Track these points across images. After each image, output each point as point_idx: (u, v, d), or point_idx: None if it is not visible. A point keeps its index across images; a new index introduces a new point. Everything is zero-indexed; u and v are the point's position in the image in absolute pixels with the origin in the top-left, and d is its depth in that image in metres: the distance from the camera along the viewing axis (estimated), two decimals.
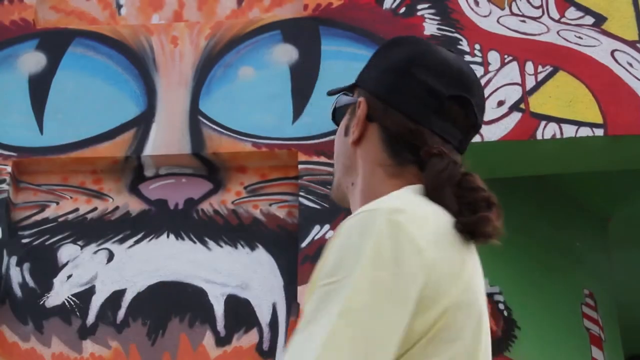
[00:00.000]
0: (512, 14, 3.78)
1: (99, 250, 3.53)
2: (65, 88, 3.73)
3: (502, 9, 3.79)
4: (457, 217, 1.18)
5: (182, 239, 3.53)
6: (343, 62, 3.66)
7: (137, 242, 3.54)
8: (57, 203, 3.62)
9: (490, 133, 3.52)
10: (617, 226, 4.95)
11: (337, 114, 1.40)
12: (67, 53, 3.80)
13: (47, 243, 3.55)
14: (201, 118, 3.63)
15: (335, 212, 3.41)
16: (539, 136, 3.52)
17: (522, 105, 3.58)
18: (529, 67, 3.65)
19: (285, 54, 3.73)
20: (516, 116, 3.56)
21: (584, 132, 3.52)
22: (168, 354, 3.34)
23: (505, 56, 3.68)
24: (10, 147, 3.62)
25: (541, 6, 3.79)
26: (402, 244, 1.08)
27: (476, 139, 3.59)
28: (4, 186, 3.55)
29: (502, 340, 3.77)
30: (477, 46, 3.70)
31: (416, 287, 1.07)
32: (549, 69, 3.64)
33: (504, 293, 3.89)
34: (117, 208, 3.60)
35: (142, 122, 3.65)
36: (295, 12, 3.84)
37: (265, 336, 3.34)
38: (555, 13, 3.77)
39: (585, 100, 3.57)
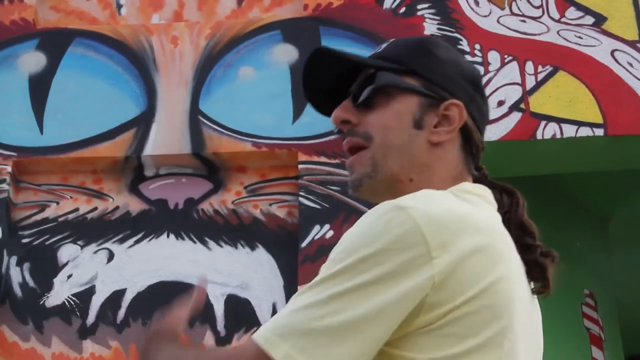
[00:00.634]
0: (512, 13, 3.78)
1: (99, 250, 3.53)
2: (65, 88, 3.73)
3: (502, 8, 3.79)
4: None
5: (182, 239, 3.53)
6: None
7: (137, 242, 3.54)
8: (57, 203, 3.62)
9: (490, 133, 3.52)
10: (617, 226, 4.95)
11: (374, 89, 1.28)
12: (67, 53, 3.80)
13: (47, 243, 3.55)
14: (201, 118, 3.63)
15: (336, 212, 3.41)
16: (539, 136, 3.52)
17: (522, 105, 3.58)
18: (529, 67, 3.66)
19: (285, 54, 3.73)
20: (516, 116, 3.56)
21: (584, 132, 3.52)
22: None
23: (505, 56, 3.68)
24: (10, 147, 3.63)
25: (541, 6, 3.79)
26: (405, 235, 1.08)
27: None
28: (4, 186, 3.55)
29: None
30: (477, 46, 3.70)
31: (420, 286, 1.07)
32: (549, 68, 3.64)
33: None
34: (117, 208, 3.60)
35: (142, 122, 3.65)
36: (295, 12, 3.84)
37: None
38: (555, 13, 3.77)
39: (585, 100, 3.57)
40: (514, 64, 3.67)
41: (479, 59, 3.66)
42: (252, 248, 3.49)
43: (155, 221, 3.56)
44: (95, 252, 3.53)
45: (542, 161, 3.76)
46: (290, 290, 3.38)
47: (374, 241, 1.07)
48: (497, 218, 1.23)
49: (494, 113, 3.56)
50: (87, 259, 3.52)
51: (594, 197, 4.74)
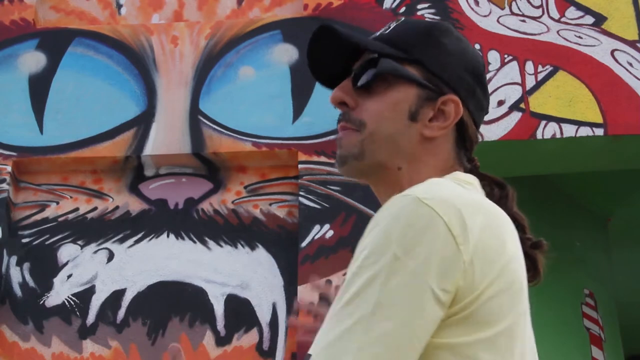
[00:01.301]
0: (512, 13, 3.78)
1: (99, 250, 3.53)
2: (65, 88, 3.73)
3: (502, 8, 3.79)
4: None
5: (182, 238, 3.53)
6: None
7: (137, 241, 3.54)
8: (57, 203, 3.62)
9: (490, 133, 3.52)
10: (617, 226, 4.96)
11: (375, 75, 1.27)
12: (67, 53, 3.80)
13: (47, 243, 3.56)
14: (201, 118, 3.63)
15: (336, 212, 3.41)
16: (539, 136, 3.52)
17: (522, 105, 3.58)
18: (529, 66, 3.66)
19: (285, 54, 3.73)
20: (516, 116, 3.56)
21: (584, 131, 3.52)
22: (168, 354, 3.34)
23: (505, 56, 3.68)
24: (10, 147, 3.63)
25: (541, 6, 3.79)
26: (432, 229, 1.07)
27: None
28: (4, 186, 3.55)
29: None
30: (477, 46, 3.70)
31: (445, 273, 1.06)
32: (549, 68, 3.64)
33: None
34: (117, 208, 3.60)
35: (142, 122, 3.65)
36: (295, 11, 3.84)
37: (265, 336, 3.34)
38: (555, 13, 3.77)
39: (585, 100, 3.57)
40: (514, 63, 3.67)
41: None
42: (252, 248, 3.49)
43: (155, 221, 3.56)
44: (95, 252, 3.53)
45: (542, 161, 3.77)
46: (290, 290, 3.38)
47: (403, 238, 1.06)
48: (492, 204, 1.24)
49: (494, 113, 3.56)
50: (87, 259, 3.52)
51: (594, 197, 4.75)
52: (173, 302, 3.42)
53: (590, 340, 4.34)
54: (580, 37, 3.71)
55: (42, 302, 3.45)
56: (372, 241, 1.09)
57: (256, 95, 3.66)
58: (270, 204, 3.56)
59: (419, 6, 3.79)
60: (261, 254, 3.48)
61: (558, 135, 3.52)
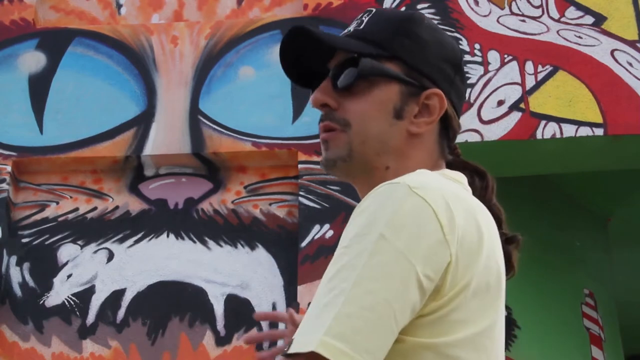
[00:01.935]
0: (512, 13, 3.78)
1: (98, 249, 3.53)
2: (65, 88, 3.73)
3: (502, 8, 3.79)
4: None
5: (182, 238, 3.53)
6: None
7: (137, 241, 3.54)
8: (57, 203, 3.62)
9: (490, 133, 3.52)
10: (617, 226, 4.95)
11: (356, 77, 1.25)
12: (67, 53, 3.80)
13: (47, 243, 3.56)
14: (201, 118, 3.63)
15: (336, 211, 3.41)
16: (538, 136, 3.52)
17: (522, 105, 3.58)
18: (529, 66, 3.65)
19: None
20: (516, 116, 3.56)
21: (584, 131, 3.52)
22: (168, 354, 3.34)
23: (505, 56, 3.68)
24: (10, 146, 3.63)
25: (541, 6, 3.79)
26: (420, 216, 1.07)
27: (476, 138, 3.61)
28: (4, 186, 3.55)
29: None
30: (477, 46, 3.70)
31: (429, 259, 1.06)
32: (548, 68, 3.64)
33: None
34: (117, 208, 3.60)
35: (142, 122, 3.65)
36: (295, 11, 3.84)
37: None
38: (555, 13, 3.77)
39: (585, 100, 3.57)
40: (514, 63, 3.67)
41: (478, 59, 3.67)
42: (252, 248, 3.49)
43: (155, 221, 3.56)
44: (95, 251, 3.53)
45: (542, 161, 3.76)
46: (290, 290, 3.38)
47: (391, 220, 1.06)
48: (477, 201, 1.24)
49: (494, 113, 3.56)
50: (87, 259, 3.52)
51: (594, 197, 4.75)
52: (173, 302, 3.42)
53: (590, 340, 4.34)
54: (580, 37, 3.71)
55: (42, 302, 3.45)
56: (359, 222, 1.08)
57: (256, 95, 3.66)
58: (270, 204, 3.56)
59: (419, 6, 3.79)
60: (261, 254, 3.48)
61: (558, 135, 3.52)
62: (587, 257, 4.65)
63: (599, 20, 3.73)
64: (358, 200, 1.18)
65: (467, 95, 1.30)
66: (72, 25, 3.91)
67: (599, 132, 3.51)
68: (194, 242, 3.52)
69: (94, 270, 3.49)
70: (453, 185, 1.17)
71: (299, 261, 3.35)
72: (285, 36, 1.29)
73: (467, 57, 3.65)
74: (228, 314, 3.39)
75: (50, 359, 3.36)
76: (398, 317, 1.03)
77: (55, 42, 3.82)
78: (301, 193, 3.47)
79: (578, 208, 4.73)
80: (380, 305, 1.02)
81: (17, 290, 3.48)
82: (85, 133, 3.65)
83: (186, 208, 3.58)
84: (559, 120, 3.54)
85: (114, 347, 3.36)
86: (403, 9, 3.78)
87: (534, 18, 3.76)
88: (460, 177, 1.26)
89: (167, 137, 3.61)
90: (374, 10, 1.31)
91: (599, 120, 3.53)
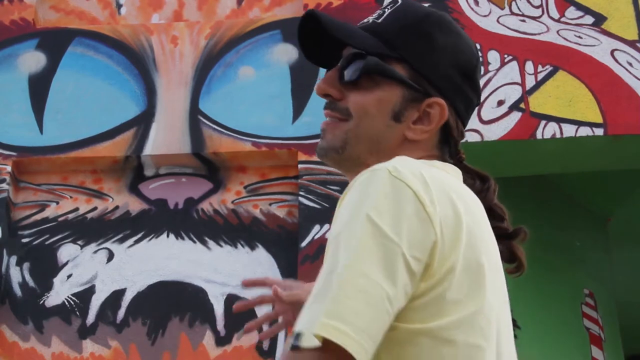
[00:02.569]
0: (512, 13, 3.78)
1: (98, 249, 3.53)
2: (65, 88, 3.73)
3: (502, 8, 3.79)
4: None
5: (182, 238, 3.53)
6: None
7: (137, 241, 3.54)
8: (57, 203, 3.62)
9: (490, 133, 3.52)
10: (617, 226, 4.96)
11: (361, 73, 1.26)
12: (67, 53, 3.80)
13: (47, 243, 3.56)
14: (201, 118, 3.63)
15: None
16: (539, 136, 3.52)
17: (522, 105, 3.58)
18: (529, 66, 3.66)
19: (285, 53, 3.73)
20: (516, 116, 3.56)
21: (584, 131, 3.52)
22: (168, 354, 3.34)
23: (505, 56, 3.68)
24: (10, 146, 3.63)
25: (541, 6, 3.79)
26: (402, 198, 1.07)
27: (476, 138, 3.62)
28: (4, 186, 3.55)
29: None
30: (477, 46, 3.69)
31: (415, 240, 1.06)
32: (548, 68, 3.64)
33: None
34: (117, 208, 3.60)
35: (142, 122, 3.65)
36: (295, 11, 3.84)
37: None
38: (555, 12, 3.77)
39: (585, 100, 3.57)
40: (514, 63, 3.67)
41: None
42: (252, 248, 3.49)
43: (155, 221, 3.56)
44: (95, 251, 3.53)
45: (542, 161, 3.77)
46: None
47: (374, 205, 1.07)
48: (463, 186, 1.23)
49: (494, 113, 3.56)
50: (87, 259, 3.52)
51: (594, 197, 4.75)
52: (173, 302, 3.42)
53: (590, 340, 4.34)
54: (580, 37, 3.71)
55: (42, 302, 3.45)
56: (345, 212, 1.09)
57: (256, 95, 3.66)
58: (270, 204, 3.56)
59: None
60: (261, 254, 3.48)
61: (558, 135, 3.52)
62: (587, 257, 4.65)
63: (599, 20, 3.73)
64: None
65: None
66: (72, 25, 3.91)
67: (599, 132, 3.51)
68: (194, 242, 3.52)
69: (94, 270, 3.49)
70: (433, 169, 1.16)
71: (299, 261, 3.35)
72: (301, 19, 1.32)
73: None
74: (228, 314, 3.39)
75: (50, 359, 3.36)
76: (392, 298, 1.04)
77: (55, 42, 3.82)
78: (301, 193, 3.47)
79: (578, 208, 4.73)
80: (373, 287, 1.03)
81: (17, 290, 3.48)
82: (85, 133, 3.65)
83: (186, 208, 3.58)
84: (559, 120, 3.54)
85: (114, 347, 3.36)
86: None
87: (534, 18, 3.76)
88: (450, 169, 1.26)
89: (167, 137, 3.61)
90: (400, 1, 1.33)
91: (599, 120, 3.53)
